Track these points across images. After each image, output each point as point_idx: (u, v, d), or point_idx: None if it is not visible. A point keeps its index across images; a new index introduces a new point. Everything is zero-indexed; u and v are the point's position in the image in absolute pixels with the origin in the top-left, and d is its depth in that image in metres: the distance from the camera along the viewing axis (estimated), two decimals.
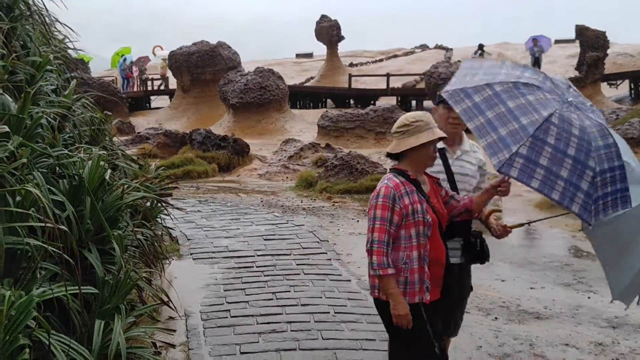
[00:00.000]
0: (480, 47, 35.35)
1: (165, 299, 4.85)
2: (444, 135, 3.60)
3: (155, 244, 6.08)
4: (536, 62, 30.92)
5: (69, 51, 8.04)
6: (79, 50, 8.46)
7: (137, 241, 5.22)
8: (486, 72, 3.70)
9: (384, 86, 32.36)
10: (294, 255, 7.73)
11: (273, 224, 9.41)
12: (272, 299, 6.16)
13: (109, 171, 4.83)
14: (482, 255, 4.04)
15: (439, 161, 3.98)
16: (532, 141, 3.32)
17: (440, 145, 3.98)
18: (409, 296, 3.51)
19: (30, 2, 6.36)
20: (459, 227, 3.95)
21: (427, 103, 29.21)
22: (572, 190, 3.32)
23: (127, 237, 4.96)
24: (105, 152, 5.40)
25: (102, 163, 4.73)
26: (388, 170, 3.76)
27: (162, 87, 38.69)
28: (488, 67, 3.82)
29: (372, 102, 30.84)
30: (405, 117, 3.65)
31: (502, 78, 3.61)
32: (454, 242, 3.99)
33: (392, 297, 3.49)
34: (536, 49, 31.54)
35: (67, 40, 7.90)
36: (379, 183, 3.62)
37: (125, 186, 5.05)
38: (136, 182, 5.51)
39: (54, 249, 3.45)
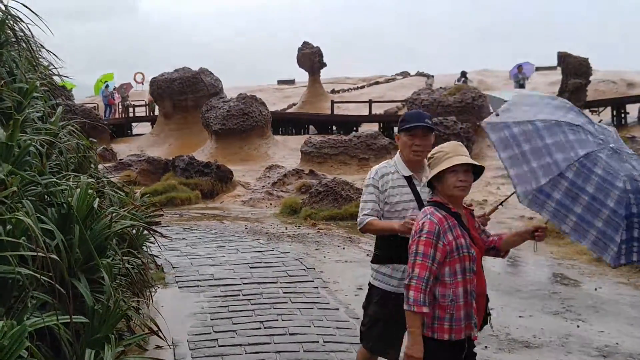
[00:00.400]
0: (463, 74, 35.71)
1: (155, 328, 4.78)
2: (461, 162, 3.47)
3: (142, 272, 6.01)
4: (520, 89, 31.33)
5: (54, 78, 8.01)
6: (63, 76, 8.43)
7: (125, 270, 5.16)
8: (531, 107, 3.80)
9: (366, 112, 32.57)
10: (281, 283, 7.69)
11: (258, 252, 9.36)
12: (259, 328, 6.10)
13: (97, 199, 4.79)
14: None
15: (408, 189, 4.02)
16: (556, 179, 3.48)
17: (406, 172, 4.04)
18: (455, 333, 3.44)
19: (17, 28, 6.34)
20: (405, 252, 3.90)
21: None
22: (584, 226, 3.47)
23: (115, 266, 4.91)
24: (93, 179, 5.35)
25: (90, 191, 4.69)
26: (425, 203, 3.70)
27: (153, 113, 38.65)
28: (533, 102, 3.90)
29: (354, 128, 30.98)
30: (433, 149, 3.67)
31: (545, 116, 3.69)
32: (402, 267, 3.94)
33: (412, 335, 3.41)
34: (520, 75, 31.94)
35: (51, 66, 7.88)
36: (419, 216, 3.54)
37: (114, 214, 5.00)
38: (124, 210, 5.46)
39: (46, 279, 3.40)
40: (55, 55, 7.71)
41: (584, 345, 6.12)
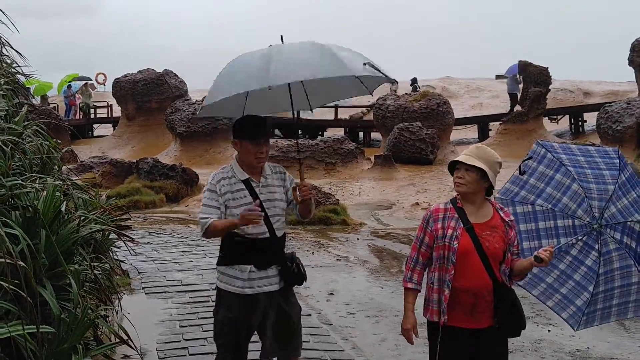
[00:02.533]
0: (414, 81, 35.48)
1: (125, 337, 4.59)
2: (459, 159, 3.72)
3: (109, 278, 5.81)
4: (515, 102, 30.10)
5: (17, 76, 7.74)
6: (27, 75, 8.15)
7: (93, 276, 4.96)
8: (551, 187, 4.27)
9: (331, 117, 32.54)
10: None
11: None
12: None
13: (65, 202, 4.59)
14: (299, 277, 4.10)
15: (246, 192, 4.03)
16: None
17: (243, 176, 4.07)
18: (428, 312, 3.76)
19: None
20: (275, 254, 4.06)
21: (375, 135, 29.48)
22: (566, 303, 4.24)
23: (82, 272, 4.71)
24: (60, 182, 5.13)
25: (57, 194, 4.49)
26: None
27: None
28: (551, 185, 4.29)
29: (320, 133, 30.93)
30: None
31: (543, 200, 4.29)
32: (272, 270, 4.04)
33: (404, 309, 3.79)
34: (520, 85, 29.52)
35: (15, 64, 7.61)
36: None
37: (82, 218, 4.80)
38: (93, 214, 5.25)
39: (12, 286, 3.21)
40: (19, 53, 7.46)
41: (557, 350, 6.11)
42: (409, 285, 3.77)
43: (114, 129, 33.92)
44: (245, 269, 4.02)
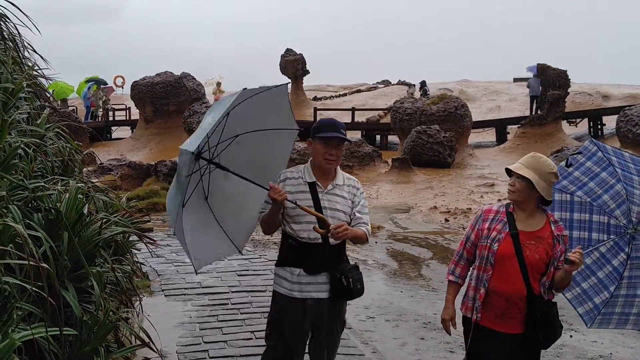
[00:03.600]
0: (423, 84, 35.07)
1: (147, 340, 4.60)
2: (511, 167, 3.76)
3: (129, 280, 5.82)
4: (534, 102, 29.80)
5: (39, 79, 7.79)
6: (48, 78, 8.21)
7: (114, 278, 4.96)
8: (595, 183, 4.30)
9: (348, 120, 32.49)
10: (270, 291, 7.47)
11: (245, 259, 9.17)
12: (251, 339, 5.93)
13: (87, 205, 4.60)
14: (348, 292, 3.95)
15: (308, 195, 3.95)
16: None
17: (310, 179, 3.99)
18: (464, 307, 3.88)
19: (3, 27, 6.13)
20: (326, 261, 3.95)
21: (392, 138, 29.38)
22: (585, 298, 4.34)
23: (104, 274, 4.71)
24: (82, 184, 5.15)
25: (80, 196, 4.50)
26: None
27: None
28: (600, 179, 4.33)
29: None
30: None
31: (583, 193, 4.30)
32: (322, 277, 3.96)
33: (445, 301, 3.96)
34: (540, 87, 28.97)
35: (36, 67, 7.66)
36: None
37: (104, 220, 4.81)
38: (115, 216, 5.26)
39: (35, 289, 3.21)
40: (42, 57, 7.51)
41: (579, 356, 6.04)
42: (451, 278, 3.95)
43: (132, 131, 34.10)
44: (295, 272, 3.99)
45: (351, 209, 4.05)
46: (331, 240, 3.90)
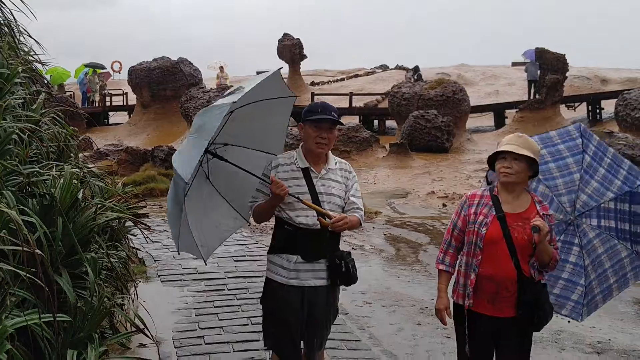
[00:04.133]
0: (416, 69, 34.73)
1: (141, 326, 4.58)
2: (506, 149, 3.64)
3: (125, 266, 5.80)
4: (532, 86, 29.92)
5: (35, 64, 7.74)
6: (44, 63, 8.15)
7: (109, 264, 4.94)
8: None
9: (346, 105, 32.41)
10: None
11: (242, 244, 9.17)
12: (247, 324, 5.92)
13: (82, 190, 4.57)
14: (347, 277, 3.91)
15: (302, 181, 3.88)
16: None
17: (303, 164, 3.92)
18: (455, 294, 3.84)
19: None
20: (324, 248, 3.88)
21: (390, 122, 29.33)
22: (562, 301, 4.36)
23: (99, 260, 4.70)
24: (77, 169, 5.11)
25: (74, 182, 4.47)
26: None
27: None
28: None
29: None
30: None
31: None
32: (320, 264, 3.89)
33: (437, 290, 3.86)
34: (539, 72, 28.72)
35: (32, 52, 7.61)
36: None
37: (99, 206, 4.78)
38: (110, 202, 5.24)
39: (28, 275, 3.19)
40: (37, 42, 7.46)
41: (577, 342, 6.04)
42: (441, 267, 3.87)
43: (129, 116, 34.01)
44: (292, 259, 3.89)
45: (345, 192, 4.01)
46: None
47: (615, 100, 24.47)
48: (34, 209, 4.16)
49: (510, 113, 30.34)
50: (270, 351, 4.20)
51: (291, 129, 21.60)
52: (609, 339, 6.08)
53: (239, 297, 6.75)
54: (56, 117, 6.07)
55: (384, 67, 51.67)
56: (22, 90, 5.63)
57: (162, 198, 14.55)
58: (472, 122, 28.58)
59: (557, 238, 4.07)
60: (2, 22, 6.13)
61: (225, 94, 3.97)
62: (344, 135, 20.91)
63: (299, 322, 3.96)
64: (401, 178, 17.74)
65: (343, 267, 3.89)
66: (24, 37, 7.33)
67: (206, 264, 4.45)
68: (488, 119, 31.36)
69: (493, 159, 3.76)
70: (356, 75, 47.27)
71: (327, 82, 45.23)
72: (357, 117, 31.61)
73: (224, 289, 7.03)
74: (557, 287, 4.31)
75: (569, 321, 6.60)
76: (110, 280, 5.13)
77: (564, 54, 27.32)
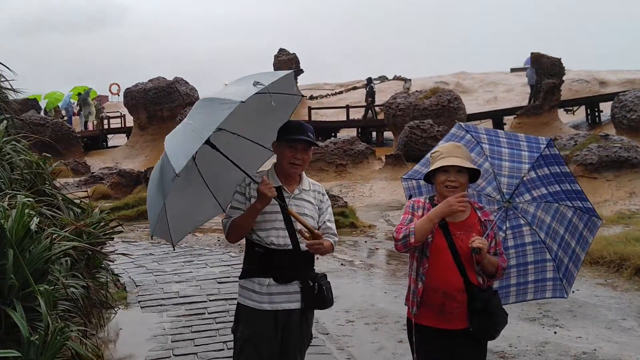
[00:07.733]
0: (369, 81, 34.10)
1: (107, 356, 4.44)
2: (450, 164, 3.59)
3: (96, 294, 5.68)
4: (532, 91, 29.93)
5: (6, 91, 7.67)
6: (16, 90, 8.08)
7: (72, 294, 4.81)
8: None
9: (344, 118, 32.34)
10: None
11: (228, 265, 9.03)
12: (222, 349, 5.76)
13: (36, 220, 4.44)
14: (322, 300, 3.72)
15: (274, 201, 3.69)
16: None
17: (276, 183, 3.76)
18: (408, 302, 3.71)
19: None
20: (296, 270, 3.72)
21: (388, 134, 29.22)
22: (540, 285, 4.23)
23: (58, 291, 4.56)
24: (31, 199, 4.97)
25: (27, 211, 4.36)
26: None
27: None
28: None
29: (332, 134, 30.73)
30: (432, 149, 3.85)
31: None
32: (294, 286, 3.72)
33: (432, 218, 3.53)
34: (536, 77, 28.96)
35: (3, 79, 7.55)
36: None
37: (54, 235, 4.65)
38: (66, 230, 5.11)
39: None
40: (7, 67, 7.42)
41: (562, 354, 5.85)
42: (411, 228, 3.53)
43: (128, 138, 34.02)
44: (264, 282, 3.71)
45: (318, 214, 3.87)
46: (302, 246, 3.72)
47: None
48: None
49: (508, 119, 30.24)
50: None
51: None
52: (594, 349, 5.89)
53: (218, 320, 6.60)
54: (21, 146, 5.96)
55: (383, 78, 51.64)
56: None
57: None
58: None
59: (504, 227, 4.00)
60: None
61: (237, 79, 3.79)
62: (339, 149, 20.81)
63: (273, 350, 3.76)
64: (397, 190, 17.58)
65: (316, 290, 3.71)
66: None
67: (174, 249, 4.31)
68: (487, 127, 31.21)
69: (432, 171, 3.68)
70: (354, 88, 47.23)
71: (326, 96, 45.22)
72: (356, 129, 31.55)
73: (204, 313, 6.88)
74: (529, 274, 4.19)
75: (555, 332, 6.47)
76: (75, 311, 5.00)
77: (560, 58, 27.25)
